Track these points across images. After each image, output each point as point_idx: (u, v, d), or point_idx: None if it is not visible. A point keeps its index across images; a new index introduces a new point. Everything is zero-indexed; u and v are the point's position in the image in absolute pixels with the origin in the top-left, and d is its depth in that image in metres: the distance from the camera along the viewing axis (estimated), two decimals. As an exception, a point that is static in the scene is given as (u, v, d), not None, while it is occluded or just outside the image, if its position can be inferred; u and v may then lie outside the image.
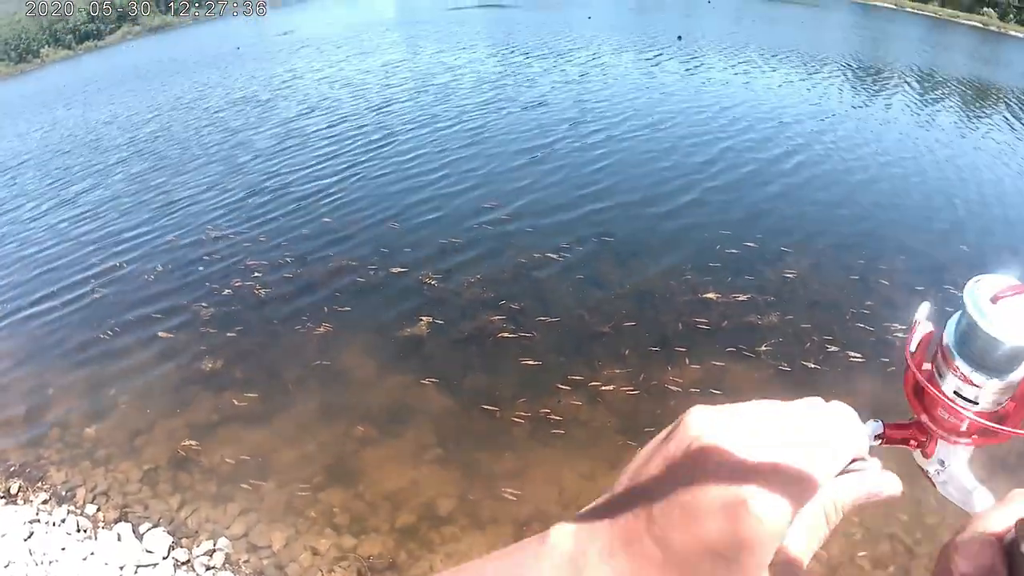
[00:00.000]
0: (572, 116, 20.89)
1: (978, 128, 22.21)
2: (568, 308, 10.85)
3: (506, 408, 8.82)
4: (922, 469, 0.93)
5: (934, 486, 0.91)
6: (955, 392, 0.83)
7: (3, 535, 7.97)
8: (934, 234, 12.99)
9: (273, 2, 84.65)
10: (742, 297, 10.79)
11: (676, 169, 16.10)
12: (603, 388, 8.97)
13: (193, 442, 9.01)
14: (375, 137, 20.55)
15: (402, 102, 24.53)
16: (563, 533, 0.71)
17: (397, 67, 31.89)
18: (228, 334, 11.23)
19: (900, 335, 9.22)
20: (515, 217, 13.98)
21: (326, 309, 11.44)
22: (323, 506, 7.81)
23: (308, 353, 10.47)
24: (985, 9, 63.97)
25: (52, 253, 15.94)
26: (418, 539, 7.29)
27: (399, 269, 12.35)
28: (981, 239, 12.94)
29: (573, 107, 22.00)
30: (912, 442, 0.92)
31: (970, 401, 0.83)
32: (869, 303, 10.48)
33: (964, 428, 0.86)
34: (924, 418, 0.89)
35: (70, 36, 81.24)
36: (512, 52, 33.46)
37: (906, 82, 28.42)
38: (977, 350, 0.80)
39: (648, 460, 0.74)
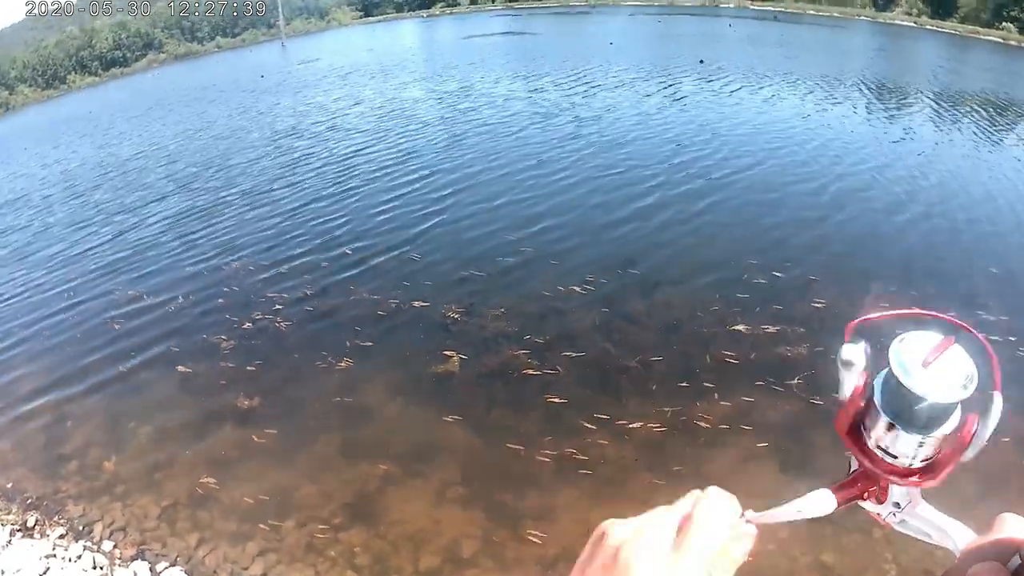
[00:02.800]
0: (600, 150, 20.84)
1: (1011, 150, 21.75)
2: (593, 342, 10.68)
3: (531, 446, 8.63)
4: (873, 514, 0.98)
5: (888, 528, 0.97)
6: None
7: (19, 570, 7.86)
8: (965, 260, 12.72)
9: (289, 31, 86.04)
10: (771, 329, 10.55)
11: (696, 199, 15.94)
12: (630, 425, 8.77)
13: (212, 479, 8.90)
14: (432, 167, 20.62)
15: (466, 137, 24.26)
16: None
17: (452, 97, 32.10)
18: (248, 368, 11.16)
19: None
20: (538, 250, 13.89)
21: (348, 343, 11.34)
22: (344, 546, 7.66)
23: (329, 388, 10.37)
24: (1004, 24, 63.04)
25: (74, 284, 16.03)
26: (441, 582, 7.11)
27: (421, 303, 12.24)
28: (1015, 264, 12.65)
29: (591, 138, 22.02)
30: (866, 495, 0.97)
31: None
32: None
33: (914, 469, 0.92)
34: (871, 467, 0.94)
35: (96, 63, 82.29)
36: (554, 82, 33.37)
37: (929, 103, 28.06)
38: (913, 413, 0.86)
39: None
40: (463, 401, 9.75)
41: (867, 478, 0.96)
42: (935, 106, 26.98)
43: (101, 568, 7.89)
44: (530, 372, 10.08)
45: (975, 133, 22.76)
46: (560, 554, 7.17)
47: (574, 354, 10.38)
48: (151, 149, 30.03)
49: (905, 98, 28.52)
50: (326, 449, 9.23)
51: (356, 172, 20.94)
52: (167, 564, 7.79)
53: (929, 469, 0.91)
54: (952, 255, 12.98)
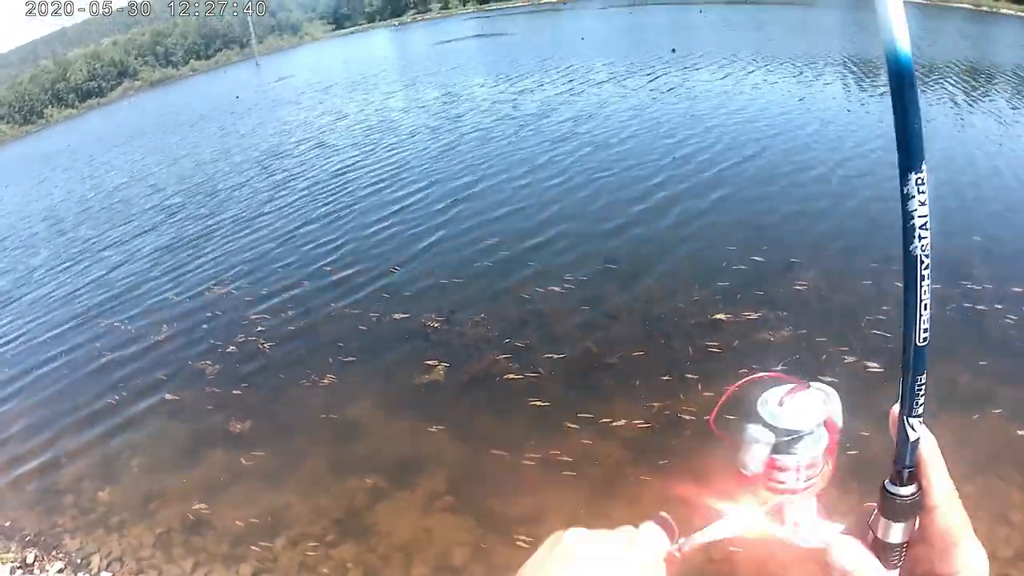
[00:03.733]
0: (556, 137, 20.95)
1: (988, 115, 21.55)
2: (574, 341, 10.70)
3: (517, 451, 8.65)
4: (782, 540, 1.07)
5: (796, 546, 1.06)
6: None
7: (19, 608, 7.93)
8: (947, 230, 12.43)
9: (262, 50, 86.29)
10: (753, 315, 10.53)
11: (674, 189, 15.95)
12: (614, 424, 8.77)
13: (204, 504, 8.96)
14: (385, 181, 20.86)
15: (457, 145, 24.11)
16: None
17: (437, 104, 32.17)
18: (234, 392, 11.23)
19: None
20: (515, 251, 13.96)
21: (331, 360, 11.39)
22: (335, 562, 7.71)
23: (315, 406, 10.41)
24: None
25: (57, 318, 16.16)
26: (433, 592, 7.17)
27: (402, 314, 12.28)
28: (997, 231, 12.60)
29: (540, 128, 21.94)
30: None
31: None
32: (884, 308, 10.06)
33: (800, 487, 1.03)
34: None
35: (72, 95, 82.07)
36: (538, 82, 33.50)
37: (920, 77, 27.47)
38: (784, 443, 1.00)
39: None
40: (447, 410, 9.80)
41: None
42: (926, 79, 26.76)
43: (100, 600, 7.95)
44: (512, 376, 10.10)
45: (970, 105, 22.57)
46: (550, 557, 7.22)
47: (555, 355, 10.40)
48: (133, 180, 30.12)
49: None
50: (314, 466, 9.28)
51: (328, 190, 21.09)
52: (164, 592, 7.87)
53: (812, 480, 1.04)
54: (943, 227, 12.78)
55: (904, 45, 0.81)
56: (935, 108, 21.47)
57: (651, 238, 13.68)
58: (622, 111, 24.11)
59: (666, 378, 9.54)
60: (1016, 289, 10.35)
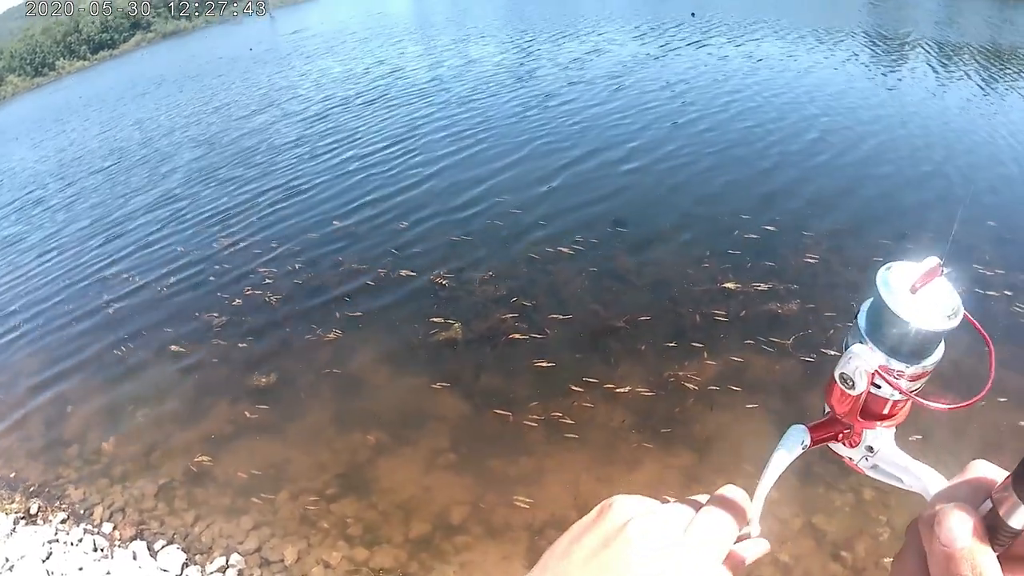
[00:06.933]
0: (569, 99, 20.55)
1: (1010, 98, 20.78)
2: (582, 303, 10.61)
3: (519, 411, 8.63)
4: (843, 457, 1.02)
5: (859, 471, 1.01)
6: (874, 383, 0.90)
7: (22, 557, 7.98)
8: (965, 215, 12.14)
9: (275, 3, 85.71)
10: (762, 286, 10.33)
11: (687, 154, 15.65)
12: (618, 389, 8.71)
13: (207, 456, 9.03)
14: (396, 132, 20.79)
15: (446, 93, 24.31)
16: None
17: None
18: (240, 344, 11.26)
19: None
20: (527, 211, 13.76)
21: (337, 315, 11.39)
22: (336, 517, 7.74)
23: (320, 360, 10.43)
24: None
25: (66, 268, 16.29)
26: (431, 549, 7.18)
27: (409, 271, 12.21)
28: (1012, 213, 12.40)
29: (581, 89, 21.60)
30: (839, 437, 1.00)
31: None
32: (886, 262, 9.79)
33: (886, 411, 0.94)
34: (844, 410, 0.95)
35: (84, 47, 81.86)
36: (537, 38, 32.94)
37: (929, 52, 26.80)
38: (900, 341, 0.86)
39: (574, 539, 0.92)
40: (452, 368, 9.77)
41: (841, 421, 0.99)
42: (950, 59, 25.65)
43: (102, 550, 8.00)
44: (518, 336, 10.04)
45: (992, 88, 21.70)
46: (548, 519, 7.22)
47: (562, 316, 10.32)
48: (156, 133, 29.81)
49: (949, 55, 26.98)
50: (317, 421, 9.32)
51: (350, 141, 20.91)
52: (164, 542, 7.91)
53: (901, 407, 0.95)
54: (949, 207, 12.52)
55: None
56: (957, 89, 20.75)
57: (663, 202, 13.50)
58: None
59: (671, 345, 9.42)
60: (1025, 277, 10.18)
